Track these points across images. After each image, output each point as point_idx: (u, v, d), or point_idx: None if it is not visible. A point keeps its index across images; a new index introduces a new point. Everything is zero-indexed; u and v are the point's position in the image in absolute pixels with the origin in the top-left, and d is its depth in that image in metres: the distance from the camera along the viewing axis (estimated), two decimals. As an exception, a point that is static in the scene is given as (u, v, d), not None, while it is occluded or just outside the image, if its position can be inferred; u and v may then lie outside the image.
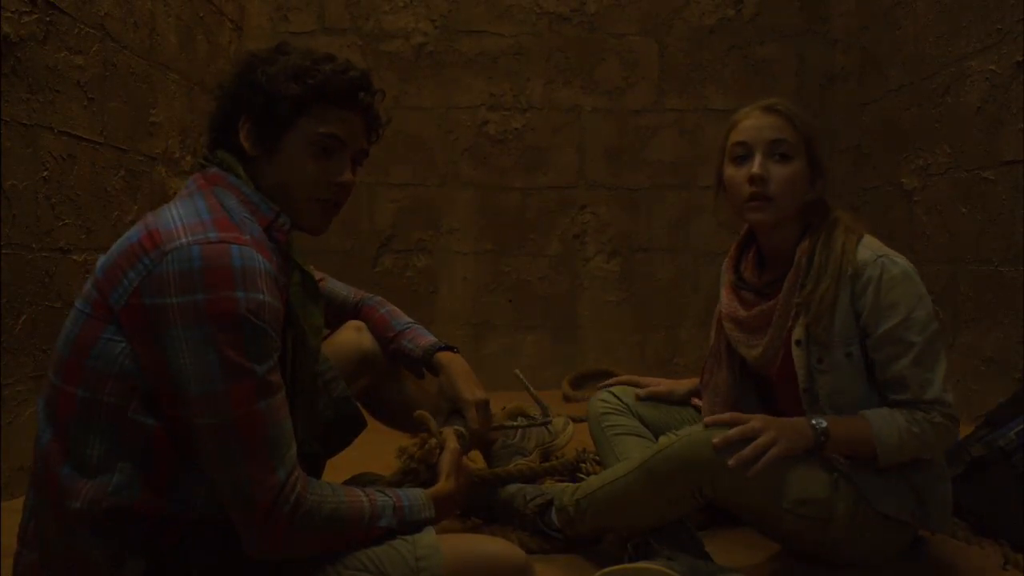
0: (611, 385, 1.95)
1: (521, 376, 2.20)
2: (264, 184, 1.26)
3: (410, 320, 1.85)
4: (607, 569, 1.42)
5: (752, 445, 1.43)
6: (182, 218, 1.16)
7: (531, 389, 2.15)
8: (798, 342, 1.58)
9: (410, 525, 1.26)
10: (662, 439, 1.54)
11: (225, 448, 1.11)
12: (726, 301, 1.72)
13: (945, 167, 2.89)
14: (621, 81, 3.81)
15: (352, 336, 1.78)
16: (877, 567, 1.59)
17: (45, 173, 2.22)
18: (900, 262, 1.54)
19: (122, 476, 1.13)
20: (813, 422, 1.49)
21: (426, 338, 1.80)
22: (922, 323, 1.51)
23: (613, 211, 3.83)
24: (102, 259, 1.20)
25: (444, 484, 1.39)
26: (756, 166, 1.56)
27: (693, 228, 3.82)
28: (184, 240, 1.12)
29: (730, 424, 1.47)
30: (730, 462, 1.42)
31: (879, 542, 1.56)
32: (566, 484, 1.81)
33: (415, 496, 1.30)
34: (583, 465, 2.07)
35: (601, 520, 1.62)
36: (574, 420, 2.23)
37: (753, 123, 1.60)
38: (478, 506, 1.90)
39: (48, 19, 2.22)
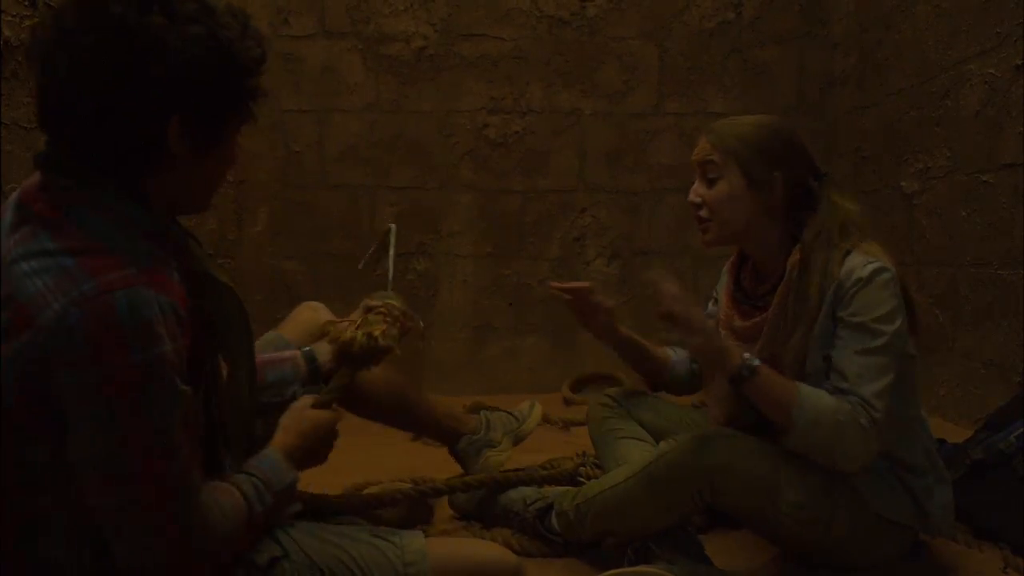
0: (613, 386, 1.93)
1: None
2: (171, 184, 1.06)
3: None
4: (607, 573, 1.42)
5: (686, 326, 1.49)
6: (38, 273, 0.95)
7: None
8: None
9: (280, 495, 1.19)
10: (662, 444, 1.54)
11: (126, 505, 1.00)
12: (724, 310, 1.73)
13: (945, 170, 2.89)
14: (621, 85, 3.81)
15: (309, 315, 1.77)
16: (877, 570, 1.59)
17: (45, 177, 2.22)
18: (892, 272, 1.54)
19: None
20: (746, 356, 1.47)
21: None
22: (893, 331, 1.48)
23: (613, 214, 3.83)
24: None
25: (282, 438, 1.29)
26: (691, 192, 1.65)
27: (693, 232, 3.77)
28: (56, 305, 0.93)
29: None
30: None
31: (879, 545, 1.56)
32: (566, 488, 1.81)
33: (271, 462, 1.21)
34: (583, 469, 2.06)
35: (601, 525, 1.62)
36: (574, 424, 2.23)
37: (696, 149, 1.67)
38: (478, 510, 1.90)
39: (49, 23, 2.22)
